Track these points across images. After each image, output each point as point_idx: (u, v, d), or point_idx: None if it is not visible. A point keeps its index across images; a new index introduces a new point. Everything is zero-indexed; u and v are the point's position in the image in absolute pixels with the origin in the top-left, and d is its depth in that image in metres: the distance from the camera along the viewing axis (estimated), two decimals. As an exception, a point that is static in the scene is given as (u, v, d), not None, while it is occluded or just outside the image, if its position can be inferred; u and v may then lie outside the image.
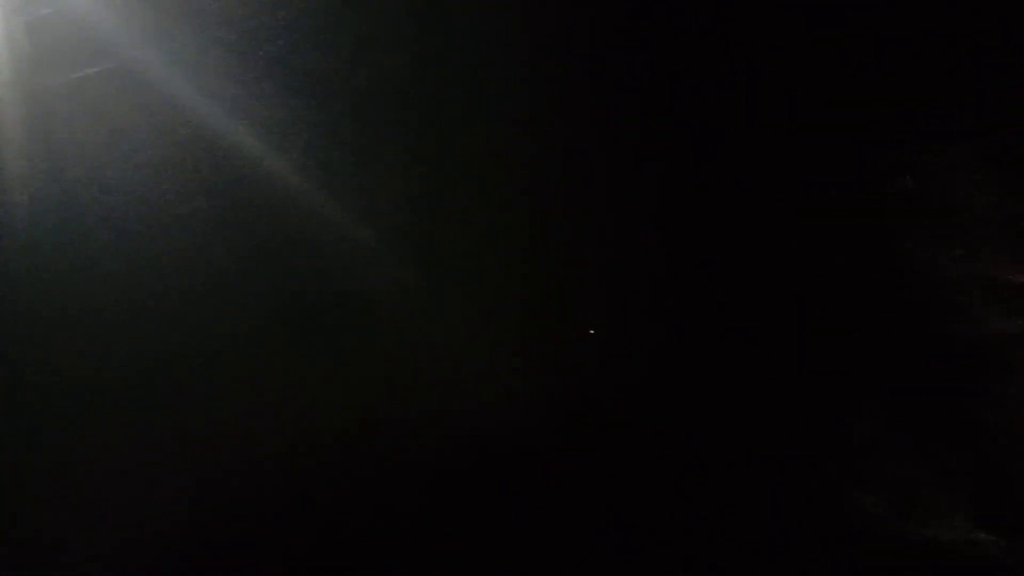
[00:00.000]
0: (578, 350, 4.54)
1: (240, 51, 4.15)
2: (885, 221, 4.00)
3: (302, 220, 4.37)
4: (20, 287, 4.31)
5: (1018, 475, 3.74)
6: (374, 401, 4.46)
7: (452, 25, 4.48)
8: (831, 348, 4.15)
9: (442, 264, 4.58)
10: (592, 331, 4.48)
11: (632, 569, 4.16)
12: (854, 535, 3.98)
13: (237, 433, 4.41)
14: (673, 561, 4.08)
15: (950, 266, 3.84)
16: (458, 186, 4.58)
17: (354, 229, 4.43)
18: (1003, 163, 3.69)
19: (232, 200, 4.23)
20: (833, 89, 4.05)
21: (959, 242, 3.82)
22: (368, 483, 4.47)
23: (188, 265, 4.25)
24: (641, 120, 4.52)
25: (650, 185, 4.46)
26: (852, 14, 4.06)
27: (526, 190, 4.63)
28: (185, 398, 4.38)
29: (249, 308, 4.37)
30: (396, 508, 4.46)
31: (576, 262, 4.57)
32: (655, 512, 4.21)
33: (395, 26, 4.47)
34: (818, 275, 4.17)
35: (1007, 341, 3.74)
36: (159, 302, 4.32)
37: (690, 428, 4.26)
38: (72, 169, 4.01)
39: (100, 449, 4.26)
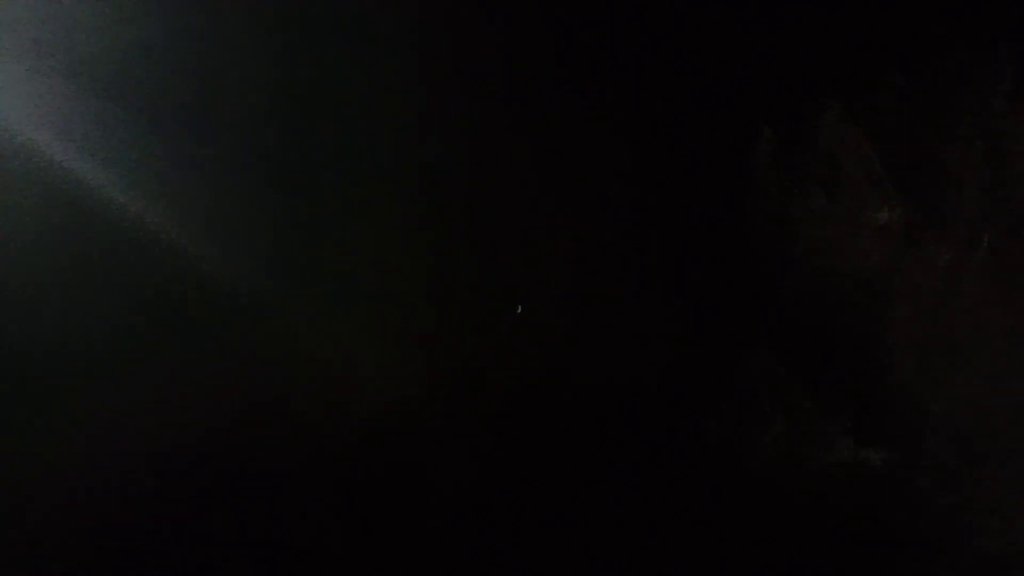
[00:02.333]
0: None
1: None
2: (755, 171, 4.16)
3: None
4: None
5: (894, 395, 3.93)
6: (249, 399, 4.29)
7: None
8: (709, 294, 4.27)
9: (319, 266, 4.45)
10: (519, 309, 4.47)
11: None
12: (753, 469, 4.08)
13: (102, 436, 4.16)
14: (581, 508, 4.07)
15: (817, 208, 4.02)
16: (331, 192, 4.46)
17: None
18: (863, 115, 3.90)
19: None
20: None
21: (822, 187, 4.01)
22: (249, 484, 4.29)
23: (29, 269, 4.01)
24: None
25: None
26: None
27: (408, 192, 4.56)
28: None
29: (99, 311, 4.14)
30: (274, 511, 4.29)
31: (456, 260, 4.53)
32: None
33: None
34: (691, 223, 4.27)
35: (876, 274, 3.93)
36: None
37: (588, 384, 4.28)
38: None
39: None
